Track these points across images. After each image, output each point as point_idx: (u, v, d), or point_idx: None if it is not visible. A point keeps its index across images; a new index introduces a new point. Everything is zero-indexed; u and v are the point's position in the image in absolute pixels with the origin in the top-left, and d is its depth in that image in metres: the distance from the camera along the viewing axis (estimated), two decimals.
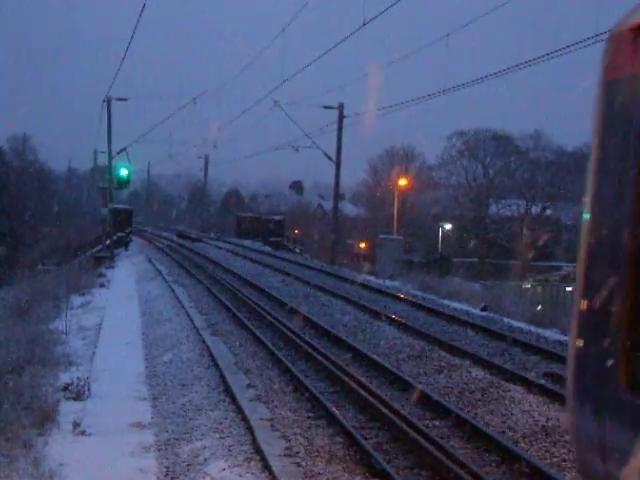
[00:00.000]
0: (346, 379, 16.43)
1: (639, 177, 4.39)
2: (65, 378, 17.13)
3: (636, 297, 4.29)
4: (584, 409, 4.58)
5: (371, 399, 14.71)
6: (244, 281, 36.95)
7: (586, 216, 4.75)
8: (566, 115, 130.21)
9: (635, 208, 4.35)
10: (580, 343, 4.65)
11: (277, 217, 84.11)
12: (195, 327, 24.29)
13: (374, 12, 24.32)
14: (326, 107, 54.32)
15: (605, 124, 4.71)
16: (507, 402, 14.90)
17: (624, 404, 4.23)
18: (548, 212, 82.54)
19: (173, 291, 33.97)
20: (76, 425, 13.65)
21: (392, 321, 24.43)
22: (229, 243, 74.50)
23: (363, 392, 15.23)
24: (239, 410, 14.69)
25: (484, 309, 28.93)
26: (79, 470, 11.53)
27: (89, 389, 16.21)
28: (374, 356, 18.98)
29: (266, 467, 11.46)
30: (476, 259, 77.21)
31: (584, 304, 4.63)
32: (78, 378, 16.70)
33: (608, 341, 4.38)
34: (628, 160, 4.43)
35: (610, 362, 4.38)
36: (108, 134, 54.69)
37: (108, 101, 53.95)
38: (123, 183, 54.05)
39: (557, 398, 14.52)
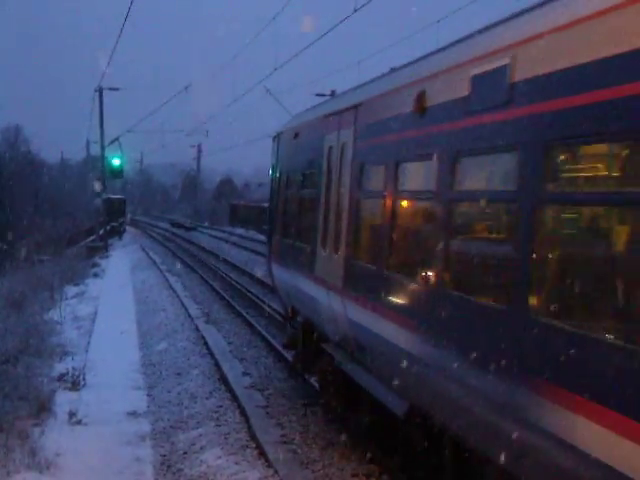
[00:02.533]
0: None
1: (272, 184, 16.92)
2: (60, 368, 17.15)
3: (274, 221, 16.11)
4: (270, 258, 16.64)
5: None
6: (238, 270, 36.93)
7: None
8: None
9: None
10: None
11: None
12: (190, 316, 24.32)
13: None
14: (318, 94, 54.06)
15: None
16: None
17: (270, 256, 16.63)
18: None
19: (167, 280, 33.98)
20: (72, 415, 13.67)
21: None
22: (223, 232, 74.44)
23: None
24: (234, 398, 14.76)
25: None
26: (75, 460, 11.56)
27: (84, 379, 16.22)
28: None
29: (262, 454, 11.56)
30: None
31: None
32: (73, 368, 16.72)
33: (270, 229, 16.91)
34: (275, 181, 16.44)
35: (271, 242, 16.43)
36: (100, 124, 54.40)
37: (100, 91, 53.66)
38: (116, 173, 53.79)
39: None
